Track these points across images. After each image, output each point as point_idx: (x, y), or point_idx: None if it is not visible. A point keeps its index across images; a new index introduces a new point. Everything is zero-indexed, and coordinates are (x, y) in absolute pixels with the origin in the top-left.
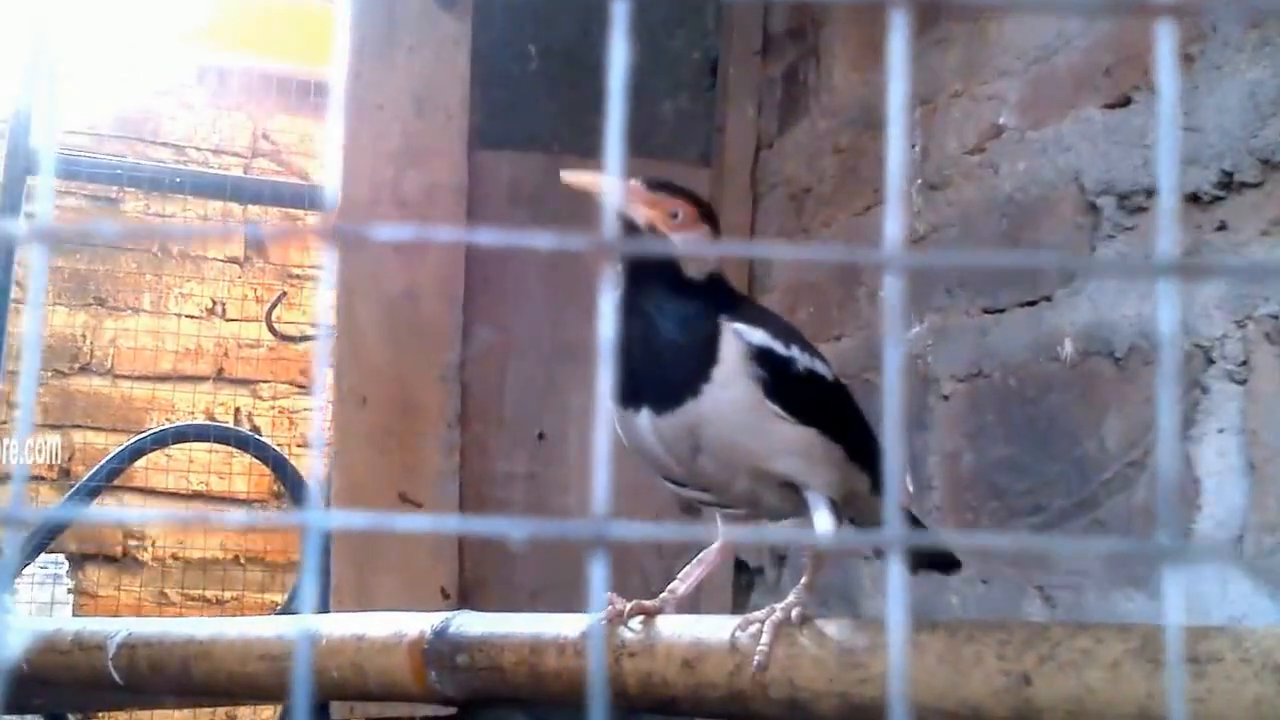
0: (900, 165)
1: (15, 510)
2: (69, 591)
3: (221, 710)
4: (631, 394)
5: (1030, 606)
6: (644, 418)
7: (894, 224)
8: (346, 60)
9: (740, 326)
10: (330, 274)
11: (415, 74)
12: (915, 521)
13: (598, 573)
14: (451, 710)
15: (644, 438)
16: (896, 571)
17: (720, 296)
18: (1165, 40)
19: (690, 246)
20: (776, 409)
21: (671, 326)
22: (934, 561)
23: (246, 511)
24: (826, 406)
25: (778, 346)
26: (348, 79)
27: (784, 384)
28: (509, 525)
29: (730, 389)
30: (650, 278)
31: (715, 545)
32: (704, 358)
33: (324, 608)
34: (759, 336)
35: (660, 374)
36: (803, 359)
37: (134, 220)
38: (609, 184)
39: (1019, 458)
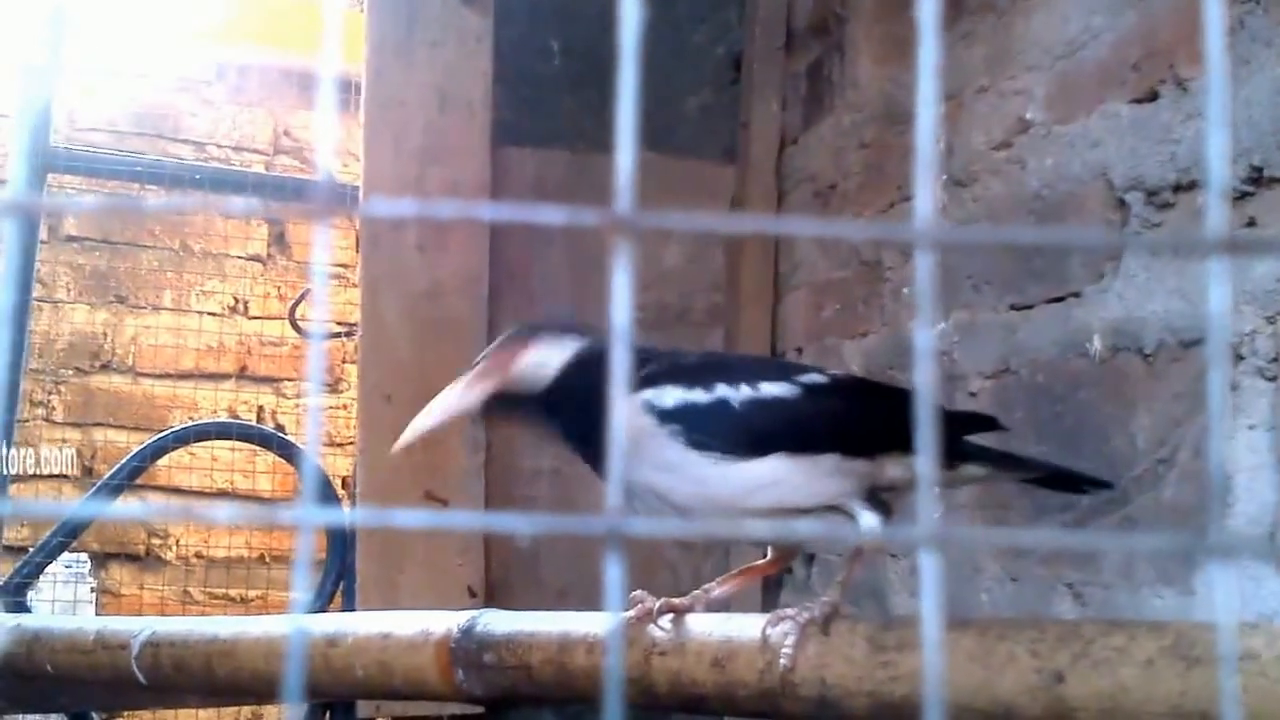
0: (930, 139)
1: None
2: (92, 590)
3: (246, 709)
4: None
5: (1061, 604)
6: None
7: (925, 200)
8: (367, 57)
9: (646, 394)
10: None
11: (437, 70)
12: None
13: (613, 569)
14: (479, 709)
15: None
16: (930, 566)
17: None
18: (1214, 7)
19: (706, 221)
20: (713, 455)
21: (579, 421)
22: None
23: (235, 506)
24: (791, 426)
25: (696, 396)
26: (368, 76)
27: (710, 428)
28: (524, 521)
29: (652, 457)
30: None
31: (764, 560)
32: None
33: (350, 606)
34: (670, 396)
35: (594, 463)
36: (737, 393)
37: (154, 218)
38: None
39: (1047, 455)
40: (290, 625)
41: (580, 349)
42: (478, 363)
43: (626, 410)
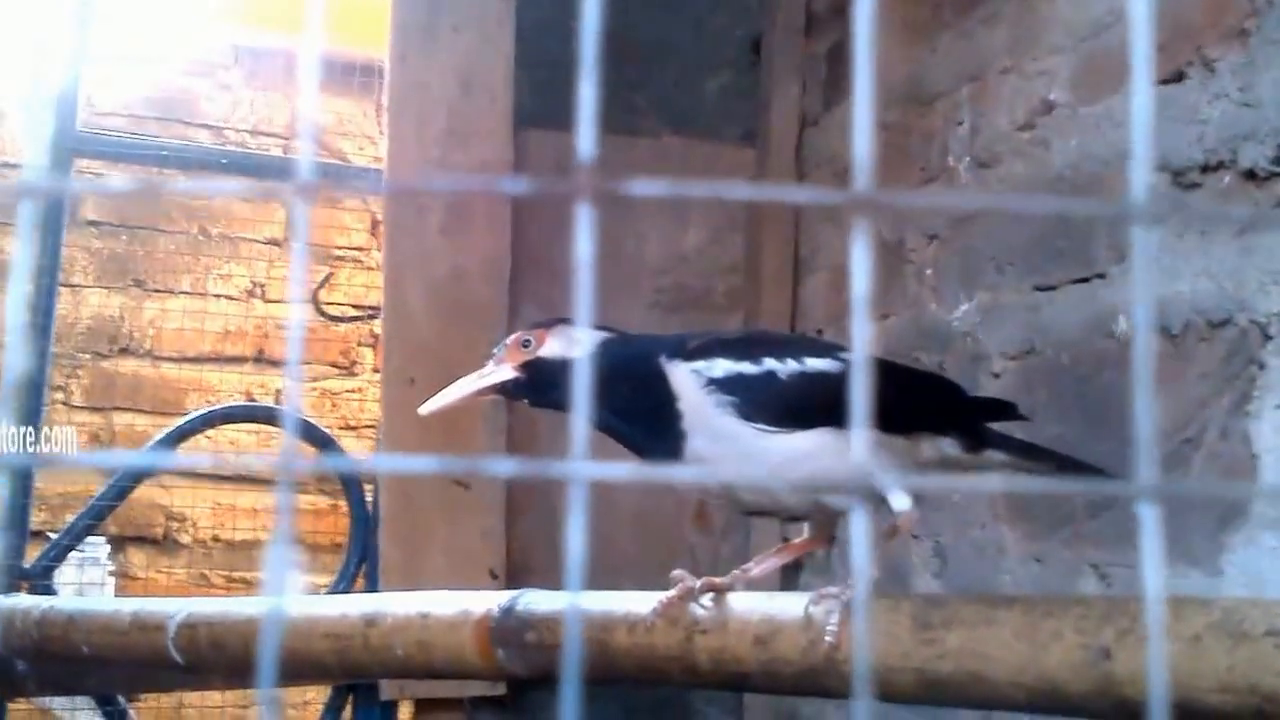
0: (868, 94)
1: None
2: (109, 574)
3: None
4: (643, 456)
5: (1085, 585)
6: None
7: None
8: (391, 41)
9: (695, 365)
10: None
11: (460, 54)
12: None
13: (575, 519)
14: (501, 691)
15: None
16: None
17: (665, 345)
18: None
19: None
20: (760, 427)
21: (620, 397)
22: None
23: (219, 455)
24: (837, 399)
25: (745, 367)
26: (392, 60)
27: (763, 399)
28: (493, 465)
29: (704, 427)
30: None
31: (801, 538)
32: (667, 407)
33: (372, 588)
34: (720, 367)
35: (645, 439)
36: (784, 366)
37: (173, 203)
38: (463, 386)
39: (1071, 435)
40: (267, 606)
41: (608, 335)
42: (506, 342)
43: (676, 379)
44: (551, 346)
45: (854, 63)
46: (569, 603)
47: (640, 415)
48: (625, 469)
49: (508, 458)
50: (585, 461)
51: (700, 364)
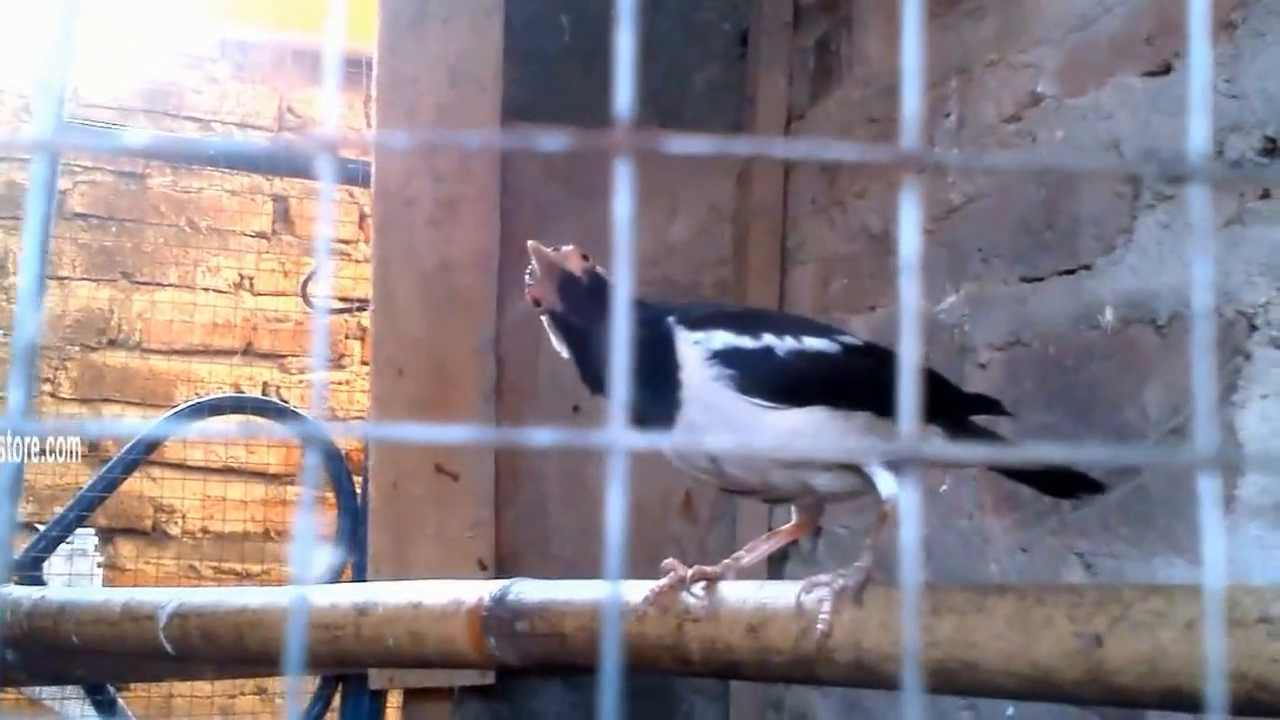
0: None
1: None
2: (99, 565)
3: (250, 681)
4: (638, 420)
5: (1071, 575)
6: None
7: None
8: (379, 33)
9: (697, 335)
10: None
11: (449, 46)
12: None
13: (615, 489)
14: (490, 680)
15: (668, 453)
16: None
17: (672, 313)
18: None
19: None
20: (756, 401)
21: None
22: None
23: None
24: (832, 379)
25: (744, 342)
26: (380, 52)
27: (761, 375)
28: (534, 435)
29: (702, 398)
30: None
31: (789, 524)
32: (668, 377)
33: (360, 579)
34: (720, 339)
35: (641, 402)
36: (783, 343)
37: (161, 196)
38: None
39: (1059, 425)
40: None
41: (681, 305)
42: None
43: (682, 348)
44: (580, 260)
45: (903, 22)
46: (609, 581)
47: (642, 378)
48: (665, 438)
49: (546, 430)
50: (625, 430)
51: (702, 334)
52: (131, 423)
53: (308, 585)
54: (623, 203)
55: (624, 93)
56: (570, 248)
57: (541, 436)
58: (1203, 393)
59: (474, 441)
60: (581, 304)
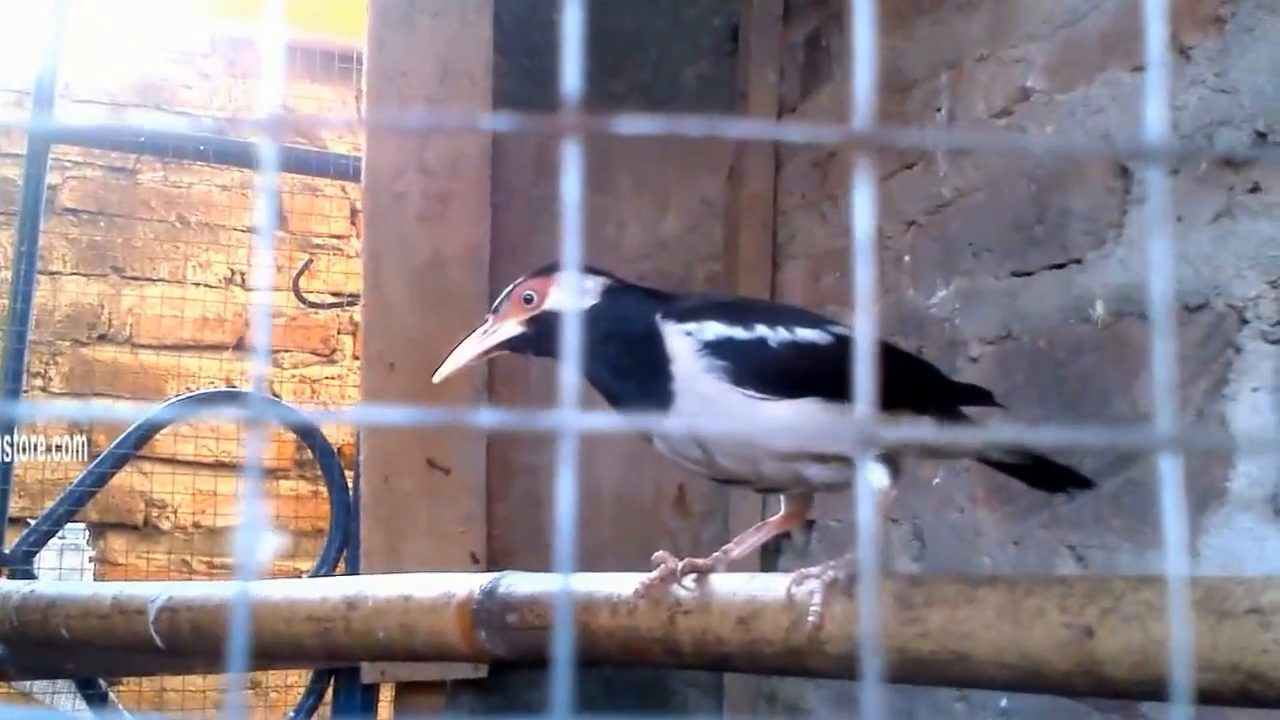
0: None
1: None
2: (90, 560)
3: (244, 676)
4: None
5: (1063, 567)
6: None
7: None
8: (369, 28)
9: (689, 326)
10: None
11: (439, 41)
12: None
13: (565, 473)
14: (483, 673)
15: (659, 446)
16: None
17: (661, 303)
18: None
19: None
20: (749, 392)
21: (616, 352)
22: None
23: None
24: (825, 371)
25: (737, 333)
26: (371, 47)
27: (753, 366)
28: (478, 415)
29: (694, 389)
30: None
31: (778, 515)
32: (659, 367)
33: (353, 572)
34: (712, 330)
35: (634, 396)
36: (776, 334)
37: (152, 191)
38: (471, 346)
39: (1050, 418)
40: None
41: (610, 282)
42: (507, 296)
43: (671, 340)
44: (557, 298)
45: (854, 3)
46: (560, 572)
47: (633, 372)
48: (615, 419)
49: (493, 411)
50: (574, 412)
51: (693, 325)
52: (122, 409)
53: (251, 575)
54: (571, 184)
55: (571, 73)
56: (510, 295)
57: (487, 418)
58: (1162, 373)
59: (419, 423)
60: (550, 336)
